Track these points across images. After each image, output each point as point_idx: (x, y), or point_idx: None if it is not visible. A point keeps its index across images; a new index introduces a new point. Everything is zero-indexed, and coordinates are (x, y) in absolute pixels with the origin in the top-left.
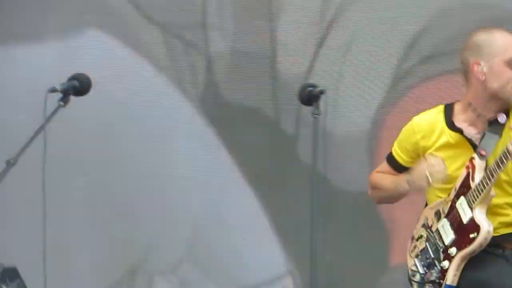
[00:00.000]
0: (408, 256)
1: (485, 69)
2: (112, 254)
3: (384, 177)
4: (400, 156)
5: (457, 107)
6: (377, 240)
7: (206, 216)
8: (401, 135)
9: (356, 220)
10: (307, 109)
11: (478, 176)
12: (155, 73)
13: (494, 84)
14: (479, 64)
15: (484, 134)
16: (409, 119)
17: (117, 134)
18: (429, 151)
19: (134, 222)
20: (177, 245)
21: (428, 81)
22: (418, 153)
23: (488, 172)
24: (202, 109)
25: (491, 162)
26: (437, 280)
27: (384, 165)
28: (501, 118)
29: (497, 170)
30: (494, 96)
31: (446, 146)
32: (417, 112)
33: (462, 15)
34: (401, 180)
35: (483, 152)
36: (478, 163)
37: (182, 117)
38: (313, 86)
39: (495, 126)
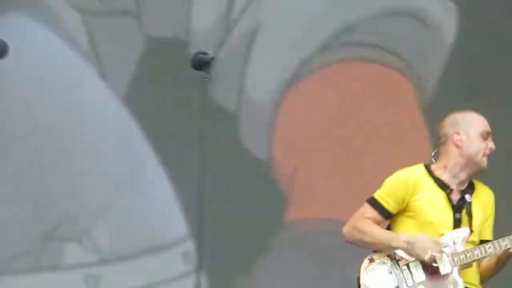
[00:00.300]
0: (362, 272)
1: (463, 138)
2: (25, 220)
3: (375, 227)
4: (388, 203)
5: (434, 167)
6: (272, 198)
7: (117, 182)
8: (393, 185)
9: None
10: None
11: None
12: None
13: (470, 150)
14: (458, 133)
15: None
16: (306, 102)
17: (33, 110)
18: (413, 201)
19: (46, 189)
20: (89, 211)
21: (325, 68)
22: (404, 202)
23: (480, 250)
24: (119, 86)
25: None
26: None
27: (370, 210)
28: (468, 197)
29: (484, 254)
30: (469, 162)
31: (431, 199)
32: (313, 97)
33: (359, 6)
34: (399, 239)
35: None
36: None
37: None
38: (204, 53)
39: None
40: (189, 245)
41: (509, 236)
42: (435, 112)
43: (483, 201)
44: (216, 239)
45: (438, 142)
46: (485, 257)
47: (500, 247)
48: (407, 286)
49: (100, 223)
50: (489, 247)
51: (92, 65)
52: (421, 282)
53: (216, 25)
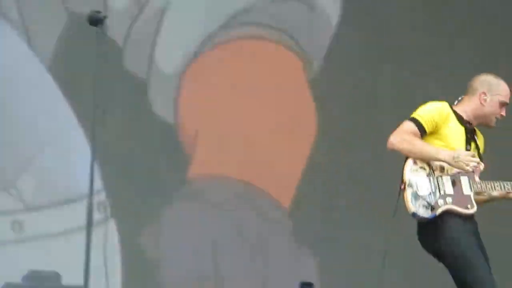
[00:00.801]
0: (408, 171)
1: (488, 99)
2: None
3: (422, 141)
4: (427, 125)
5: (455, 108)
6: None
7: (41, 140)
8: (431, 112)
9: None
10: None
11: (477, 177)
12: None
13: (487, 110)
14: (485, 94)
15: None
16: (207, 74)
17: None
18: (445, 127)
19: None
20: (16, 163)
21: (225, 44)
22: (437, 126)
23: (491, 185)
24: (45, 55)
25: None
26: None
27: (413, 127)
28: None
29: (491, 190)
30: (484, 117)
31: (456, 129)
32: (214, 69)
33: None
34: (445, 153)
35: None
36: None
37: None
38: (98, 12)
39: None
40: (103, 196)
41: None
42: (321, 85)
43: (480, 142)
44: (127, 191)
45: (467, 90)
46: (491, 192)
47: (505, 188)
48: (439, 193)
49: (25, 175)
50: (497, 185)
51: (21, 36)
52: (449, 195)
53: (130, 3)
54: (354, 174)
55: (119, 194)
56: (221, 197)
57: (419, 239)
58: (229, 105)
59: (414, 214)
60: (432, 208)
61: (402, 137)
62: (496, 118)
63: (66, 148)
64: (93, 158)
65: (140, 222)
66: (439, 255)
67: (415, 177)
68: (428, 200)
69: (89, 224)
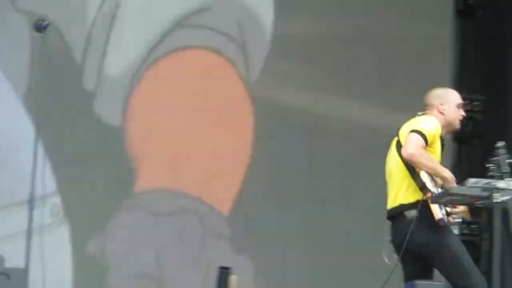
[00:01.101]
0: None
1: (445, 107)
2: None
3: (433, 158)
4: (429, 140)
5: None
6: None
7: None
8: (434, 128)
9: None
10: None
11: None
12: None
13: (450, 117)
14: (442, 105)
15: None
16: (156, 80)
17: None
18: (438, 142)
19: None
20: None
21: (169, 51)
22: (433, 141)
23: None
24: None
25: None
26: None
27: (423, 143)
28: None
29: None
30: (448, 124)
31: (439, 145)
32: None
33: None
34: (447, 172)
35: None
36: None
37: None
38: (43, 20)
39: None
40: (57, 200)
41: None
42: (260, 92)
43: None
44: (81, 196)
45: (425, 109)
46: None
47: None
48: (444, 209)
49: None
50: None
51: None
52: (444, 214)
53: (81, 10)
54: (293, 180)
55: (71, 198)
56: (164, 206)
57: (401, 238)
58: (173, 113)
59: (440, 220)
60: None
61: (421, 152)
62: (459, 120)
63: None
64: (35, 163)
65: (91, 228)
66: (427, 257)
67: (434, 188)
68: (443, 209)
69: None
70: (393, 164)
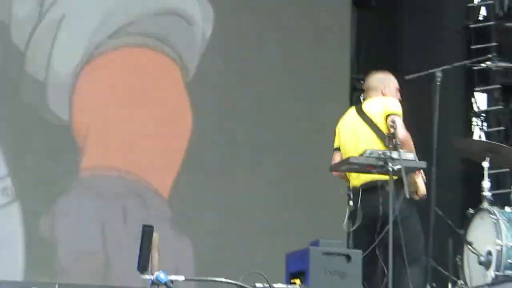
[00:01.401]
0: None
1: (388, 91)
2: None
3: None
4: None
5: None
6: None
7: None
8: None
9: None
10: None
11: None
12: None
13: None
14: (385, 88)
15: None
16: (99, 77)
17: None
18: None
19: None
20: None
21: (114, 51)
22: None
23: None
24: None
25: None
26: None
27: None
28: None
29: None
30: None
31: None
32: (104, 72)
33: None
34: None
35: None
36: None
37: None
38: None
39: None
40: (8, 182)
41: None
42: (195, 88)
43: None
44: (29, 178)
45: (368, 90)
46: None
47: None
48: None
49: None
50: None
51: None
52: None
53: (32, 12)
54: (225, 166)
55: (21, 181)
56: (108, 187)
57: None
58: (116, 105)
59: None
60: None
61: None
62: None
63: None
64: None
65: (40, 209)
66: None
67: None
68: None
69: None
70: (364, 140)
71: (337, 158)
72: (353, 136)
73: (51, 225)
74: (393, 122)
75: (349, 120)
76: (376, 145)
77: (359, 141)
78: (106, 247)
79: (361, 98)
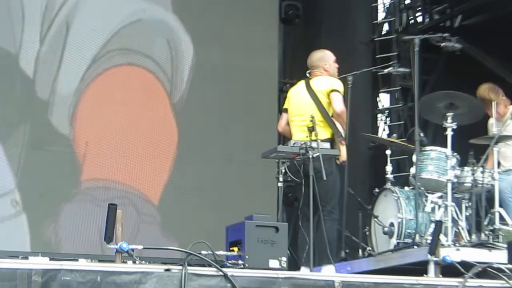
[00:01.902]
0: None
1: (327, 66)
2: None
3: None
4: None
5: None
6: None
7: None
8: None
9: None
10: None
11: None
12: None
13: (332, 72)
14: (325, 64)
15: None
16: (97, 96)
17: None
18: None
19: None
20: None
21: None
22: None
23: None
24: None
25: None
26: None
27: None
28: None
29: None
30: (332, 76)
31: None
32: (101, 92)
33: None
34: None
35: None
36: None
37: None
38: None
39: None
40: (16, 195)
41: None
42: (181, 107)
43: None
44: (36, 190)
45: (313, 67)
46: None
47: None
48: None
49: None
50: None
51: None
52: None
53: (39, 42)
54: (210, 176)
55: (27, 194)
56: (106, 196)
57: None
58: (111, 122)
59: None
60: None
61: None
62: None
63: None
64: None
65: (46, 215)
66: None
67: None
68: None
69: None
70: (307, 108)
71: (284, 117)
72: (299, 104)
73: (56, 231)
74: (334, 96)
75: (299, 90)
76: (315, 114)
77: (304, 109)
78: (104, 249)
79: (307, 74)
